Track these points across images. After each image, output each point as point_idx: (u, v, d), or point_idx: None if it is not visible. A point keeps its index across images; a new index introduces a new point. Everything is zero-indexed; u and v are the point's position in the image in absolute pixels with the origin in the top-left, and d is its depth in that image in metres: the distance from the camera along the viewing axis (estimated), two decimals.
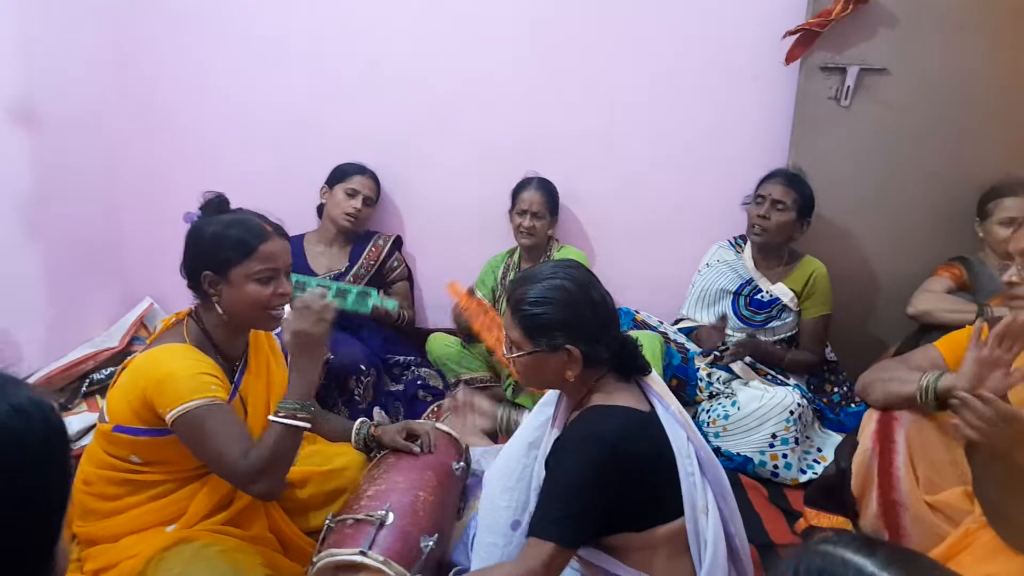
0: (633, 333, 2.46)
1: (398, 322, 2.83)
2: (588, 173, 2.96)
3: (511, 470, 1.56)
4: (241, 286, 1.55)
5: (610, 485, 1.32)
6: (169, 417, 1.45)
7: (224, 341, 1.63)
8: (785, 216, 2.57)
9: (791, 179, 2.61)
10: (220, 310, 1.58)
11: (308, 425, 1.48)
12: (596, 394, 1.44)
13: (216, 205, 1.61)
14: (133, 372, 1.53)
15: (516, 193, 2.83)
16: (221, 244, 1.54)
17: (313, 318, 1.47)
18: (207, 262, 1.55)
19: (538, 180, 2.83)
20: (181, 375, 1.48)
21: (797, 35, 2.61)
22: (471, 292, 2.59)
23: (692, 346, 2.68)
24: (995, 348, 1.43)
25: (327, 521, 1.64)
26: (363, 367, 2.55)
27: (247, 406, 1.65)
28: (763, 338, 2.65)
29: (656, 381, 1.50)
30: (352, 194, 2.84)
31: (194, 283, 1.59)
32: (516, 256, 2.92)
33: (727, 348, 2.55)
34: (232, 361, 1.67)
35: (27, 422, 0.73)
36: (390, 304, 2.70)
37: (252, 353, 1.71)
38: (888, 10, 2.57)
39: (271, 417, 1.47)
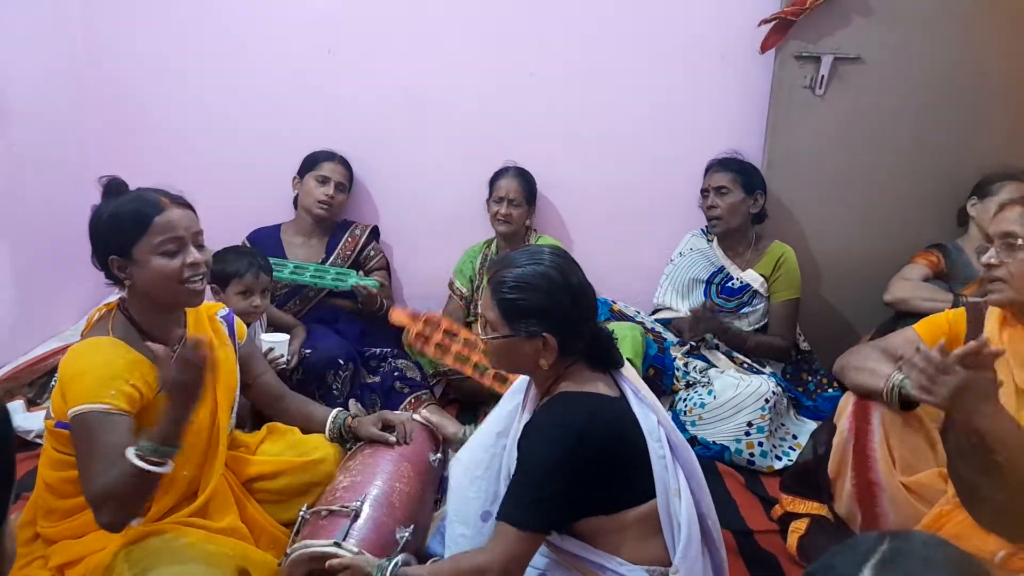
0: (612, 325, 2.46)
1: (378, 310, 2.80)
2: (564, 162, 2.95)
3: (479, 460, 1.54)
4: (147, 263, 1.49)
5: (577, 470, 1.31)
6: (69, 416, 1.41)
7: (155, 327, 1.58)
8: (731, 198, 2.60)
9: (724, 162, 2.66)
10: (137, 294, 1.54)
11: (162, 470, 1.35)
12: (565, 381, 1.43)
13: (114, 188, 1.56)
14: (60, 368, 1.50)
15: (493, 181, 2.84)
16: (117, 224, 1.50)
17: (195, 372, 1.38)
18: (110, 246, 1.51)
19: (515, 168, 2.84)
20: (88, 375, 1.43)
21: (772, 23, 2.62)
22: (415, 315, 2.56)
23: (669, 335, 2.68)
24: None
25: (301, 513, 1.62)
26: (341, 361, 2.51)
27: None
28: (737, 324, 2.66)
29: (628, 370, 1.50)
30: (323, 181, 2.81)
31: (107, 272, 1.55)
32: (494, 246, 2.91)
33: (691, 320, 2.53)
34: (169, 347, 1.59)
35: None
36: (370, 282, 2.69)
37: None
38: None
39: (128, 451, 1.34)
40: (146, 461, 1.33)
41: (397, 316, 2.58)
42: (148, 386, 1.49)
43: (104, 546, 1.46)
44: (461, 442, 1.84)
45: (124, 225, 1.49)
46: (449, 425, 2.00)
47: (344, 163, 2.88)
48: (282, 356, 2.27)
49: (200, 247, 1.56)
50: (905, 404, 1.64)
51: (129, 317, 1.56)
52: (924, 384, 1.36)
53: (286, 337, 2.34)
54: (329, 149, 2.88)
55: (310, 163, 2.85)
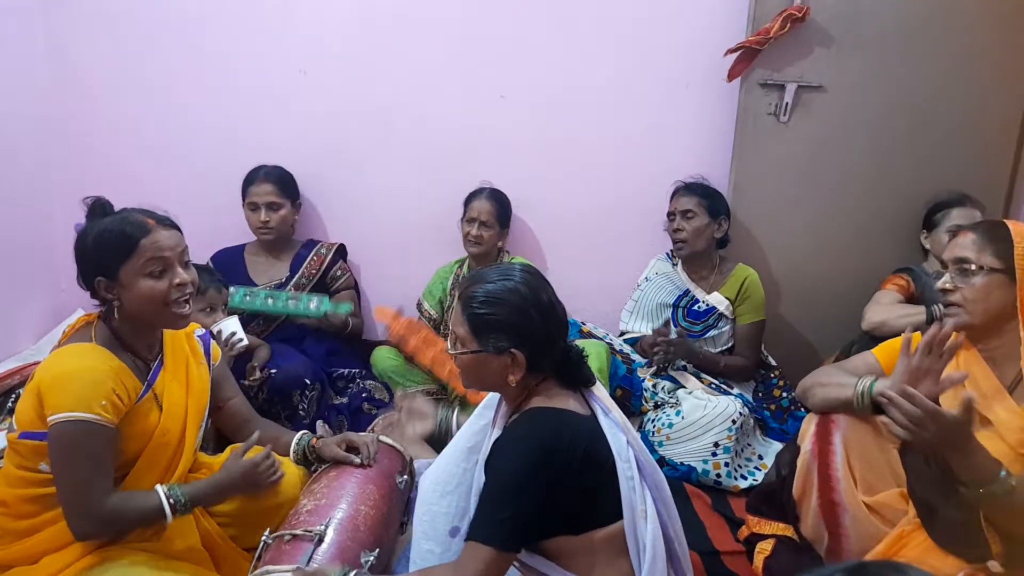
0: (579, 342, 2.47)
1: (345, 330, 2.77)
2: (533, 183, 2.97)
3: (450, 475, 1.53)
4: (133, 285, 1.51)
5: (545, 486, 1.31)
6: (50, 420, 1.41)
7: (135, 341, 1.60)
8: (697, 222, 2.65)
9: (690, 187, 2.71)
10: (124, 314, 1.55)
11: (168, 521, 1.52)
12: (536, 397, 1.43)
13: (99, 209, 1.57)
14: (36, 373, 1.48)
15: (467, 202, 2.85)
16: (104, 246, 1.51)
17: (264, 484, 1.67)
18: (96, 268, 1.52)
19: (490, 190, 2.85)
20: (76, 379, 1.43)
21: (738, 52, 2.68)
22: (399, 314, 2.57)
23: (637, 357, 2.70)
24: (924, 358, 1.46)
25: (264, 537, 1.58)
26: (307, 381, 2.49)
27: (162, 403, 1.60)
28: (706, 347, 2.69)
29: (598, 389, 1.50)
30: (253, 208, 2.78)
31: (93, 293, 1.56)
32: (465, 266, 2.91)
33: (663, 348, 2.55)
34: (147, 359, 1.63)
35: None
36: (343, 308, 2.66)
37: (168, 352, 1.67)
38: (823, 29, 2.66)
39: (159, 488, 1.52)
40: (170, 503, 1.50)
41: (382, 313, 2.58)
42: (128, 394, 1.51)
43: (58, 571, 1.42)
44: (443, 426, 2.02)
45: (110, 247, 1.50)
46: (424, 404, 2.11)
47: (271, 177, 2.80)
48: (242, 341, 2.24)
49: (186, 265, 1.58)
50: (876, 409, 1.65)
51: (111, 328, 1.57)
52: (909, 428, 1.38)
53: (235, 318, 2.30)
54: (257, 165, 2.83)
55: (243, 189, 2.81)
